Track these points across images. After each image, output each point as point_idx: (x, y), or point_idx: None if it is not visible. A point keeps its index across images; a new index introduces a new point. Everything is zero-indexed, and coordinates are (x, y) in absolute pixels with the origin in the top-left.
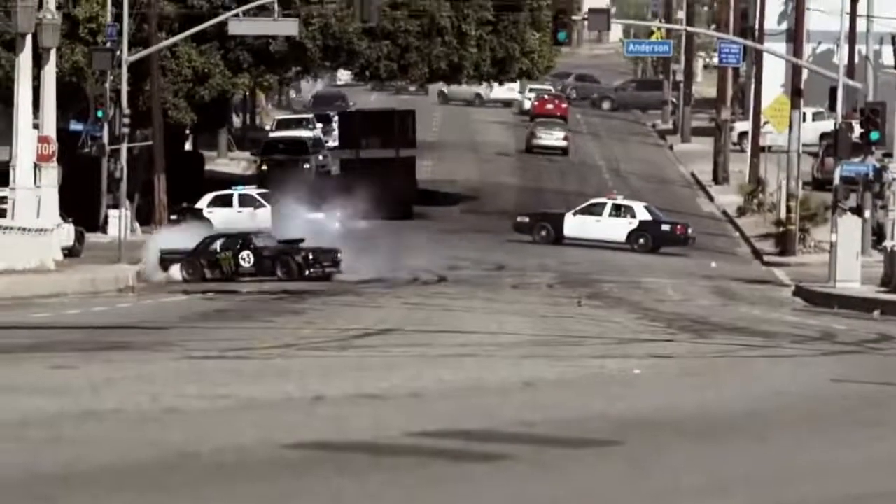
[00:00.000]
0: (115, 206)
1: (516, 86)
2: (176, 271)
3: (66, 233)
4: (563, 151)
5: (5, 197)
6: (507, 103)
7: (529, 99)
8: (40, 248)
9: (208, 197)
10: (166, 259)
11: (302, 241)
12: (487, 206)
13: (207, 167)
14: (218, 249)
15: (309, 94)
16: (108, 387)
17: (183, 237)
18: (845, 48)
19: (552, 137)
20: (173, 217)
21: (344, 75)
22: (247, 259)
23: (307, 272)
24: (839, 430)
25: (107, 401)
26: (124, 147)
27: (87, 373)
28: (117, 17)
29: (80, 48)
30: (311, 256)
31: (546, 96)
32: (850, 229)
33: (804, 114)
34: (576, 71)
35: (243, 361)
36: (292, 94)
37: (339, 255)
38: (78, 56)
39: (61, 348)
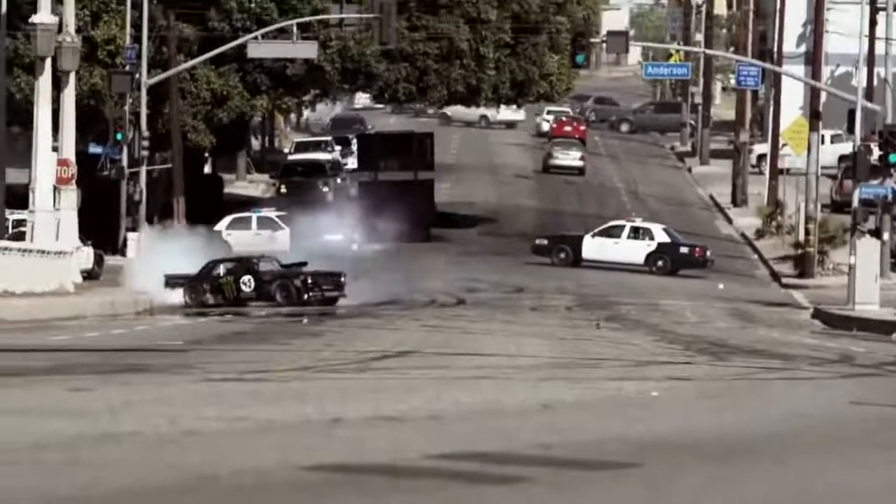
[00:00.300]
0: (135, 228)
1: (521, 108)
2: (178, 296)
3: (86, 256)
4: (580, 171)
5: (25, 220)
6: (510, 125)
7: (547, 121)
8: (59, 271)
9: (227, 219)
10: (171, 283)
11: (304, 264)
12: (506, 228)
13: (226, 190)
14: (221, 274)
15: (327, 118)
16: (126, 409)
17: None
18: (864, 70)
19: (569, 157)
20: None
21: (362, 98)
22: (248, 283)
23: (306, 296)
24: (858, 453)
25: (125, 423)
26: (143, 170)
27: (106, 395)
28: (136, 40)
29: (99, 70)
30: (310, 280)
31: (564, 118)
32: (868, 252)
33: (823, 136)
34: (595, 94)
35: (262, 384)
36: (308, 115)
37: (342, 278)
38: (96, 79)
39: (80, 371)
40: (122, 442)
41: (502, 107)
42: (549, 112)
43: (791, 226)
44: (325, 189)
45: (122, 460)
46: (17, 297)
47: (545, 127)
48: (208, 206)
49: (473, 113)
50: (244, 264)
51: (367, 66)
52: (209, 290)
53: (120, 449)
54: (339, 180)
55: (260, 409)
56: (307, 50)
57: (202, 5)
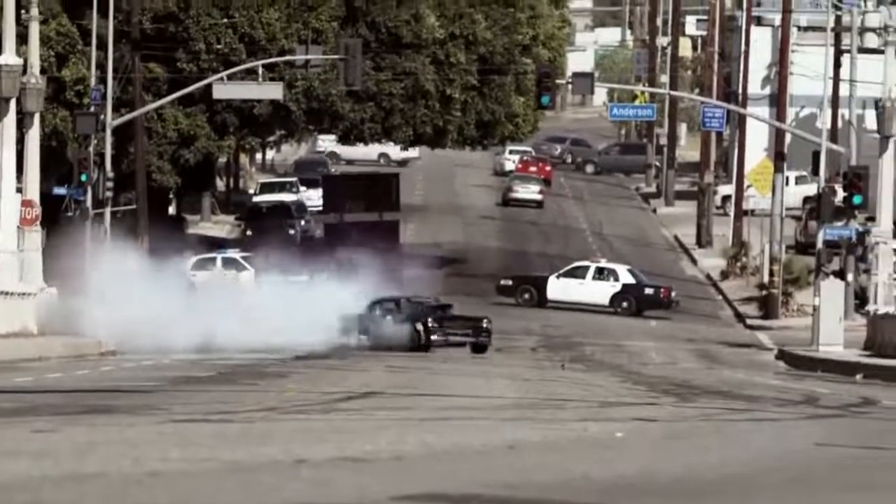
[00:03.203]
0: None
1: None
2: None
3: (51, 297)
4: (538, 205)
5: None
6: (402, 163)
7: (510, 160)
8: (23, 313)
9: (192, 260)
10: (347, 325)
11: (449, 307)
12: (472, 269)
13: (191, 230)
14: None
15: (292, 158)
16: (90, 450)
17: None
18: (828, 112)
19: (528, 191)
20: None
21: (325, 142)
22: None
23: (431, 339)
24: (825, 494)
25: (89, 464)
26: (108, 211)
27: (69, 436)
28: (102, 81)
29: (62, 112)
30: (433, 323)
31: (528, 158)
32: (832, 293)
33: (787, 177)
34: (564, 134)
35: (226, 424)
36: (273, 156)
37: (483, 322)
38: (58, 120)
39: (43, 412)
40: (85, 483)
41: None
42: (511, 151)
43: (755, 267)
44: (291, 232)
45: (85, 502)
46: None
47: (509, 166)
48: (172, 247)
49: (371, 151)
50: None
51: (333, 106)
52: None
53: (83, 490)
54: (303, 222)
55: (225, 450)
56: (273, 91)
57: (170, 46)
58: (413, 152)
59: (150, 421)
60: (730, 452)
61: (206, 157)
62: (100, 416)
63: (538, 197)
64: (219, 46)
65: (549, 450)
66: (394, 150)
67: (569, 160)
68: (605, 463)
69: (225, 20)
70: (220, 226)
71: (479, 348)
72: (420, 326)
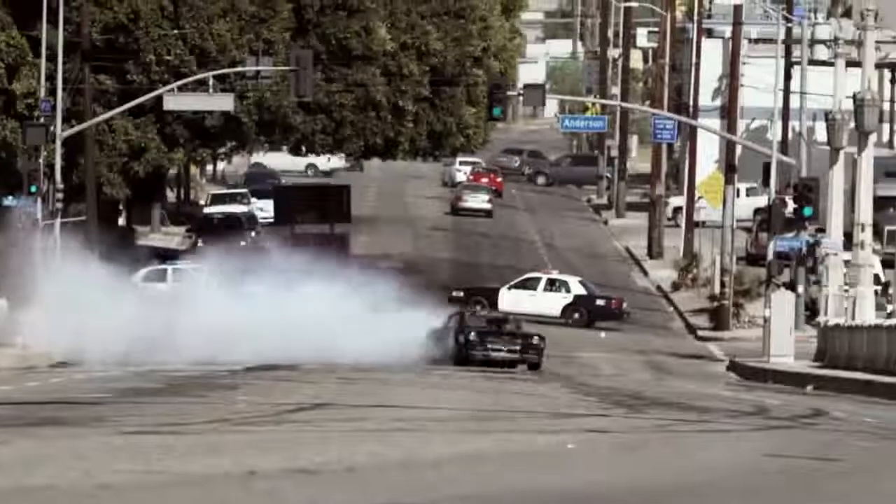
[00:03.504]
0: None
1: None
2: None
3: (3, 309)
4: (487, 213)
5: None
6: (327, 173)
7: (460, 171)
8: None
9: (143, 271)
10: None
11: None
12: (423, 280)
13: (141, 242)
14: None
15: (242, 170)
16: (40, 463)
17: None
18: (779, 124)
19: (477, 200)
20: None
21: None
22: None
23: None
24: None
25: (39, 477)
26: (58, 222)
27: (19, 448)
28: (51, 92)
29: (12, 124)
30: (473, 337)
31: (480, 169)
32: (783, 304)
33: (738, 189)
34: (521, 146)
35: (177, 436)
36: (224, 167)
37: (534, 339)
38: (7, 132)
39: None
40: (35, 496)
41: (327, 157)
42: (461, 163)
43: (707, 278)
44: (242, 243)
45: None
46: None
47: (459, 177)
48: (122, 259)
49: (298, 162)
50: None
51: (285, 118)
52: None
53: (32, 502)
54: (254, 233)
55: (176, 462)
56: (224, 102)
57: (120, 58)
58: (339, 162)
59: (100, 433)
60: (680, 464)
61: (156, 169)
62: (49, 429)
63: (487, 206)
64: (169, 58)
65: (500, 461)
66: (322, 161)
67: (526, 171)
68: (555, 474)
69: (175, 31)
70: (171, 237)
71: (530, 365)
72: (462, 340)
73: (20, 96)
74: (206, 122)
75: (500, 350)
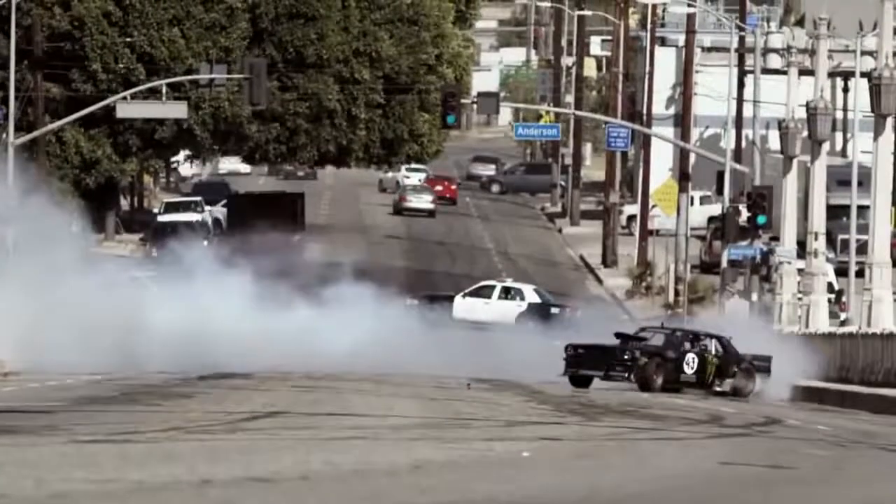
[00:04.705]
0: None
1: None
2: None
3: None
4: (430, 213)
5: None
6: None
7: (409, 177)
8: None
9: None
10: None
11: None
12: (377, 288)
13: (94, 250)
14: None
15: (195, 179)
16: None
17: None
18: (732, 132)
19: (421, 200)
20: None
21: (227, 164)
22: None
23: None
24: None
25: None
26: (11, 231)
27: None
28: (3, 101)
29: None
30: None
31: (433, 177)
32: (737, 312)
33: (692, 197)
34: (475, 153)
35: (131, 445)
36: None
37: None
38: None
39: None
40: None
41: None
42: (408, 169)
43: (661, 286)
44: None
45: None
46: None
47: (406, 182)
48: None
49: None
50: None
51: (240, 127)
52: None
53: None
54: (205, 243)
55: (130, 470)
56: (177, 110)
57: (66, 65)
58: (241, 166)
59: (52, 441)
60: (635, 472)
61: (108, 179)
62: (1, 437)
63: (430, 206)
64: (118, 66)
65: (454, 469)
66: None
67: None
68: (510, 482)
69: (125, 39)
70: (124, 245)
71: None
72: None
73: None
74: (157, 135)
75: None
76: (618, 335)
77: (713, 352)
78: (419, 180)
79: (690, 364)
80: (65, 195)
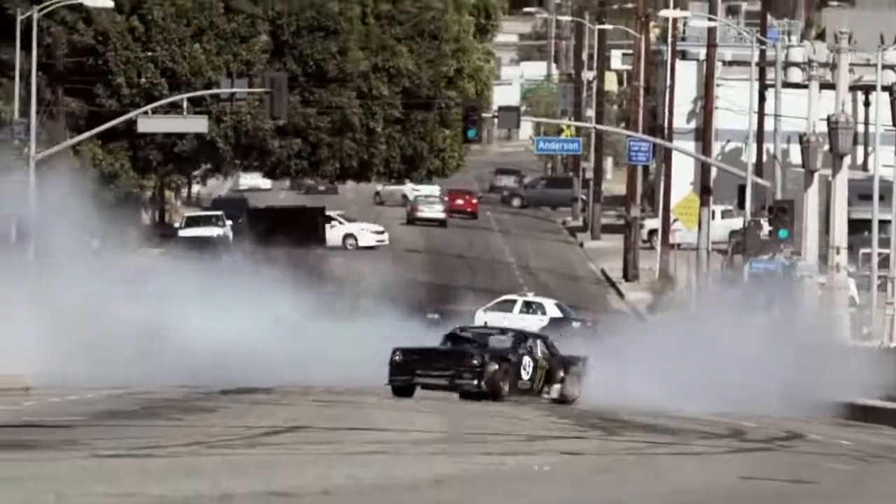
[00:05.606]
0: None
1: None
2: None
3: None
4: (441, 223)
5: None
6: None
7: (418, 190)
8: None
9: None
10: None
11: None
12: (398, 303)
13: (114, 264)
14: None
15: (216, 193)
16: (11, 486)
17: None
18: (753, 146)
19: (432, 210)
20: None
21: (247, 180)
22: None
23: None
24: None
25: (10, 500)
26: (32, 245)
27: None
28: (23, 114)
29: None
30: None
31: (453, 191)
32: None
33: (713, 211)
34: (497, 166)
35: (152, 459)
36: (199, 189)
37: (469, 360)
38: None
39: None
40: None
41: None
42: (415, 188)
43: (683, 300)
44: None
45: None
46: None
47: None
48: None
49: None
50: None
51: (262, 142)
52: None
53: None
54: (224, 257)
55: (151, 485)
56: (198, 124)
57: (89, 80)
58: (262, 182)
59: (73, 456)
60: (654, 486)
61: (127, 194)
62: (21, 452)
63: (442, 216)
64: (140, 81)
65: (475, 484)
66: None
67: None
68: (529, 497)
69: (148, 54)
70: (145, 259)
71: (463, 393)
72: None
73: None
74: (177, 148)
75: (429, 375)
76: (448, 336)
77: (540, 354)
78: (433, 193)
79: (527, 369)
80: (85, 209)
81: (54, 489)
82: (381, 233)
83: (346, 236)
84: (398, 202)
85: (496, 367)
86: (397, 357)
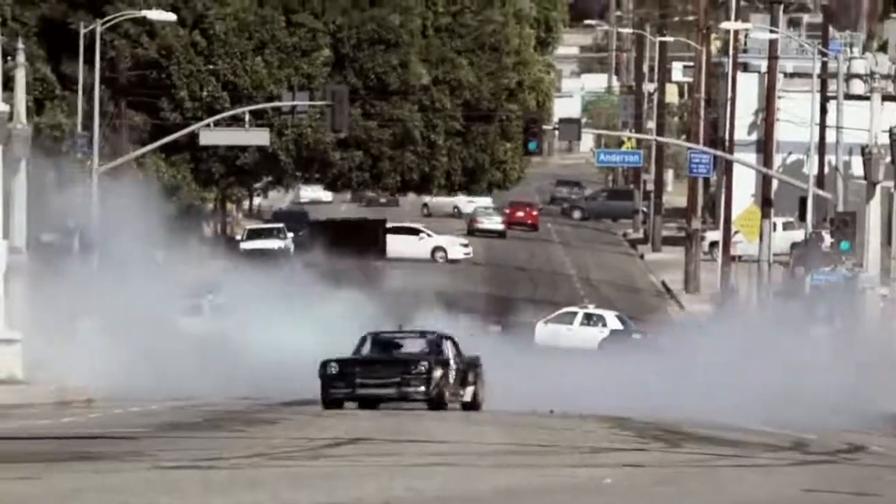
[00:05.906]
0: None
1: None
2: None
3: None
4: (501, 234)
5: None
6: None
7: (472, 202)
8: (8, 359)
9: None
10: None
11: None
12: (460, 315)
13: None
14: None
15: (278, 205)
16: (74, 498)
17: None
18: (815, 158)
19: (492, 221)
20: None
21: (308, 192)
22: None
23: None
24: None
25: None
26: (95, 257)
27: (52, 484)
28: (85, 128)
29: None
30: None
31: (514, 203)
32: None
33: (775, 223)
34: (557, 178)
35: (215, 471)
36: (261, 202)
37: (415, 365)
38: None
39: (28, 459)
40: None
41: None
42: (469, 201)
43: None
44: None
45: None
46: None
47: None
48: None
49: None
50: None
51: (324, 154)
52: None
53: None
54: (289, 268)
55: (213, 496)
56: (260, 137)
57: (152, 94)
58: (323, 194)
59: (137, 468)
60: (714, 498)
61: (189, 207)
62: (85, 463)
63: (501, 227)
64: (202, 94)
65: (538, 496)
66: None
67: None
68: None
69: (210, 67)
70: (208, 271)
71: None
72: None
73: (46, 129)
74: (239, 161)
75: (367, 385)
76: (373, 343)
77: (451, 355)
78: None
79: (453, 372)
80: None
81: (119, 500)
82: (466, 245)
83: (436, 249)
84: (447, 214)
85: (441, 372)
86: (332, 369)
